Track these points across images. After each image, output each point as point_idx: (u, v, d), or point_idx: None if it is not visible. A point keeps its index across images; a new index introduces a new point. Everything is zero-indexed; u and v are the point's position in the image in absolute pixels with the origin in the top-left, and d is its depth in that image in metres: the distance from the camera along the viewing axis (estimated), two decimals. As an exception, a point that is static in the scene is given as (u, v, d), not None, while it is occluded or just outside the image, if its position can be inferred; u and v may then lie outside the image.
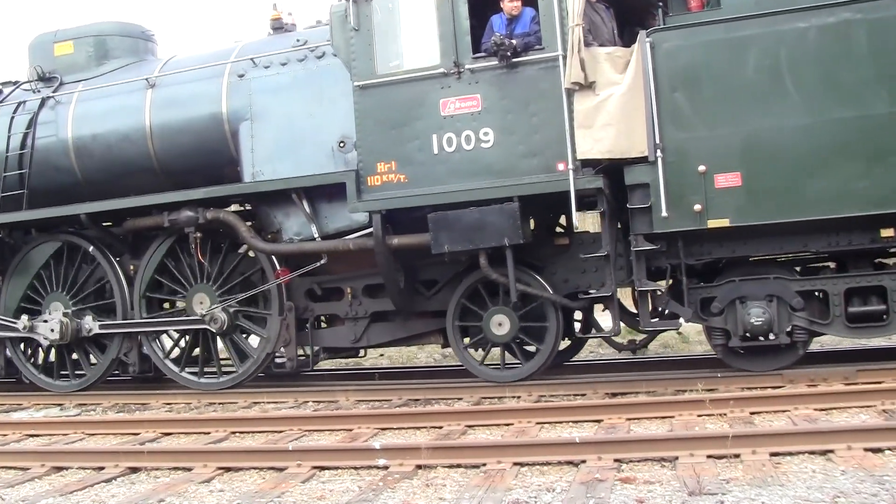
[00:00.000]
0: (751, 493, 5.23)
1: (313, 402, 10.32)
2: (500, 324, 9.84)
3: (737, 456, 6.06)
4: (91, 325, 11.52)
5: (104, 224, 11.53)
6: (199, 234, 10.71)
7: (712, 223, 8.70)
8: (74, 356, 12.04)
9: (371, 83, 9.64)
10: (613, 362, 11.85)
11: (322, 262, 10.36)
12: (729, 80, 8.69)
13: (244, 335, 11.47)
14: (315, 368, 11.68)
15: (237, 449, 7.63)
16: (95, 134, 11.47)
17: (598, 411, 8.05)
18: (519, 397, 9.33)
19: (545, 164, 9.13)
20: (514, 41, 9.08)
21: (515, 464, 6.32)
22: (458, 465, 6.47)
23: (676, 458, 6.11)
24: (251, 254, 11.14)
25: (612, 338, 10.40)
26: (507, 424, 7.95)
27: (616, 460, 6.19)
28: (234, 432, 8.67)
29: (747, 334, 8.98)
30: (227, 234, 11.02)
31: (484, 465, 6.36)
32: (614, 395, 9.17)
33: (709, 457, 6.07)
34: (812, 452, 6.05)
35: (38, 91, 12.10)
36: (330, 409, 9.73)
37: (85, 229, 11.54)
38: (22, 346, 12.10)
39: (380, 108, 9.64)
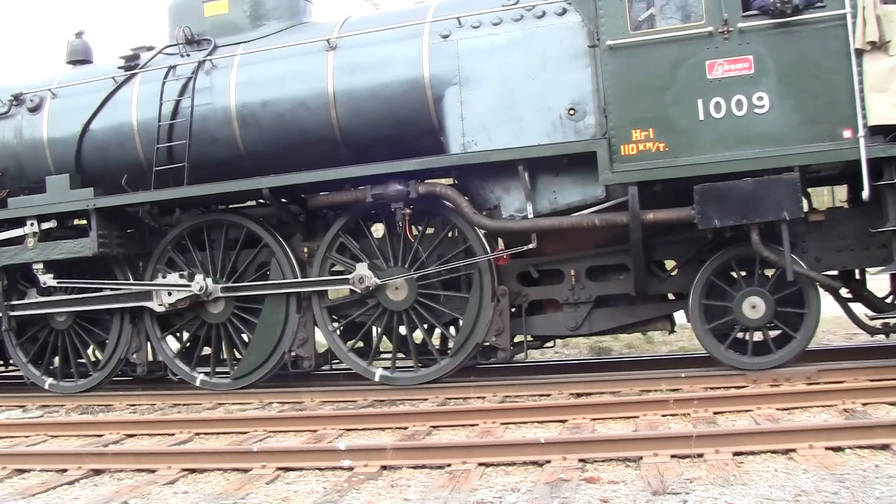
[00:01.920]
0: (714, 492, 5.46)
1: (278, 402, 10.43)
2: (754, 306, 9.47)
3: (700, 455, 6.29)
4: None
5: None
6: (408, 210, 10.06)
7: None
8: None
9: (624, 43, 9.21)
10: (578, 363, 12.09)
11: (531, 245, 9.84)
12: None
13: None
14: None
15: (201, 450, 7.75)
16: (265, 101, 10.72)
17: (562, 411, 8.28)
18: (484, 398, 9.49)
19: (828, 130, 8.80)
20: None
21: (480, 464, 6.52)
22: (423, 466, 6.68)
23: (640, 457, 6.34)
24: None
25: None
26: (473, 425, 8.14)
27: (581, 460, 6.42)
28: (198, 433, 8.82)
29: None
30: (435, 212, 10.42)
31: (449, 465, 6.58)
32: (579, 395, 9.33)
33: (673, 456, 6.30)
34: (774, 451, 6.31)
35: (188, 55, 11.26)
36: (295, 410, 9.84)
37: (243, 207, 10.83)
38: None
39: (634, 70, 9.22)
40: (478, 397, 9.57)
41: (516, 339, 10.44)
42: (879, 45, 8.61)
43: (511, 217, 9.89)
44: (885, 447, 6.24)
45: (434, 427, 8.22)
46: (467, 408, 8.87)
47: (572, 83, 9.67)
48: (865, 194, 8.73)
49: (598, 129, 9.51)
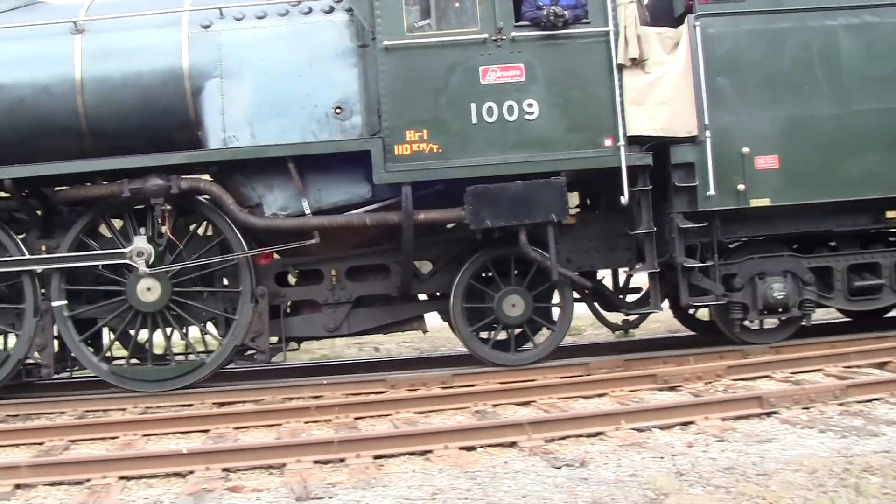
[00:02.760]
0: (356, 495, 5.75)
1: None
2: (514, 304, 9.94)
3: (342, 460, 6.60)
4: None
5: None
6: (168, 207, 9.58)
7: (755, 202, 9.57)
8: None
9: (401, 44, 9.39)
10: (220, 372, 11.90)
11: (314, 241, 9.71)
12: (768, 68, 9.65)
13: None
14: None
15: None
16: (1, 84, 9.83)
17: (205, 421, 8.41)
18: (125, 409, 9.37)
19: (592, 139, 9.47)
20: (565, 13, 9.33)
21: (121, 478, 6.45)
22: (61, 483, 6.47)
23: (284, 464, 6.56)
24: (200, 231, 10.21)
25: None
26: (113, 438, 8.05)
27: (224, 469, 6.52)
28: None
29: (765, 309, 9.92)
30: (193, 209, 10.00)
31: (88, 480, 6.42)
32: (222, 404, 9.42)
33: (315, 462, 6.56)
34: (412, 453, 6.73)
35: None
36: None
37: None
38: None
39: (410, 71, 9.44)
40: (118, 409, 9.28)
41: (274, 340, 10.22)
42: (638, 63, 9.40)
43: (274, 215, 9.71)
44: (513, 444, 6.79)
45: (72, 441, 7.91)
46: (107, 420, 8.67)
47: (339, 82, 9.69)
48: (624, 199, 9.43)
49: (365, 128, 9.59)
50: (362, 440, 6.89)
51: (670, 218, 9.66)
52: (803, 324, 10.11)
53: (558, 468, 6.02)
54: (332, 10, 9.87)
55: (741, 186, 9.51)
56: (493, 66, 9.42)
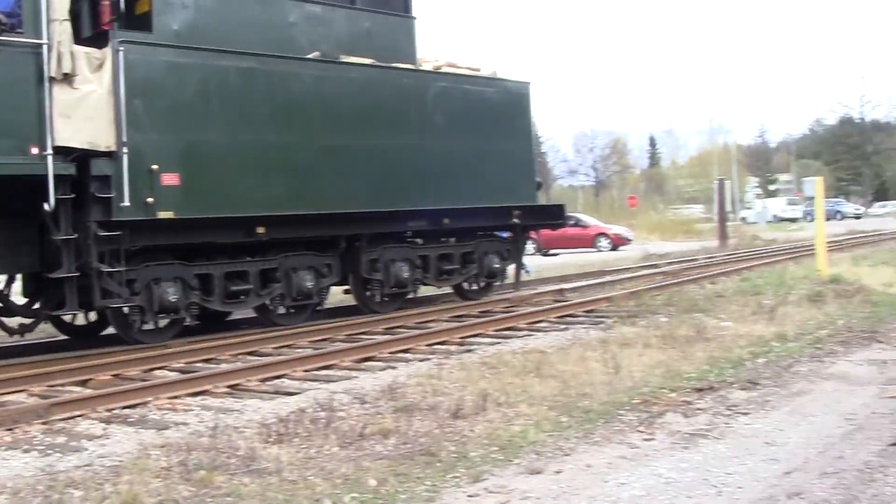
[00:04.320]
0: None
1: None
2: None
3: None
4: None
5: None
6: None
7: (161, 214, 10.95)
8: None
9: None
10: None
11: None
12: (175, 96, 11.16)
13: None
14: None
15: None
16: None
17: None
18: None
19: (20, 146, 9.98)
20: (4, 21, 9.74)
21: None
22: None
23: None
24: None
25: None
26: None
27: None
28: None
29: (160, 311, 11.30)
30: None
31: None
32: None
33: None
34: None
35: None
36: None
37: None
38: None
39: None
40: None
41: None
42: (69, 78, 10.16)
43: None
44: None
45: None
46: None
47: None
48: (50, 206, 10.10)
49: None
50: None
51: (87, 226, 10.52)
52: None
53: None
54: None
55: (150, 199, 10.82)
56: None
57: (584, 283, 18.40)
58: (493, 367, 9.11)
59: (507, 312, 13.90)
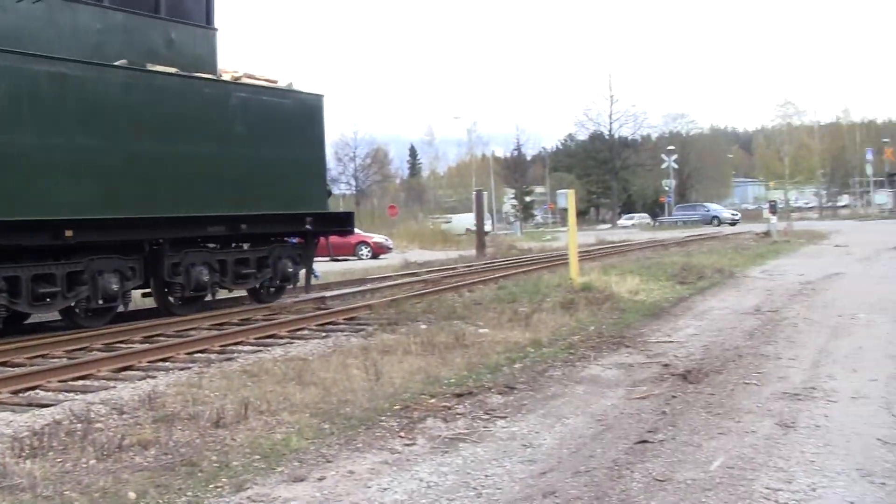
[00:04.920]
0: None
1: None
2: None
3: None
4: None
5: None
6: None
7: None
8: None
9: None
10: None
11: None
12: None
13: None
14: None
15: None
16: None
17: None
18: None
19: None
20: None
21: None
22: None
23: None
24: None
25: None
26: None
27: None
28: None
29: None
30: None
31: None
32: None
33: None
34: None
35: None
36: None
37: None
38: None
39: None
40: None
41: None
42: None
43: None
44: None
45: None
46: None
47: None
48: None
49: None
50: None
51: None
52: None
53: None
54: None
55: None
56: None
57: (346, 290, 18.86)
58: (255, 375, 9.27)
59: (268, 320, 14.14)
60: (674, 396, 7.82)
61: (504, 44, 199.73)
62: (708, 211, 75.09)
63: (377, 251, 38.19)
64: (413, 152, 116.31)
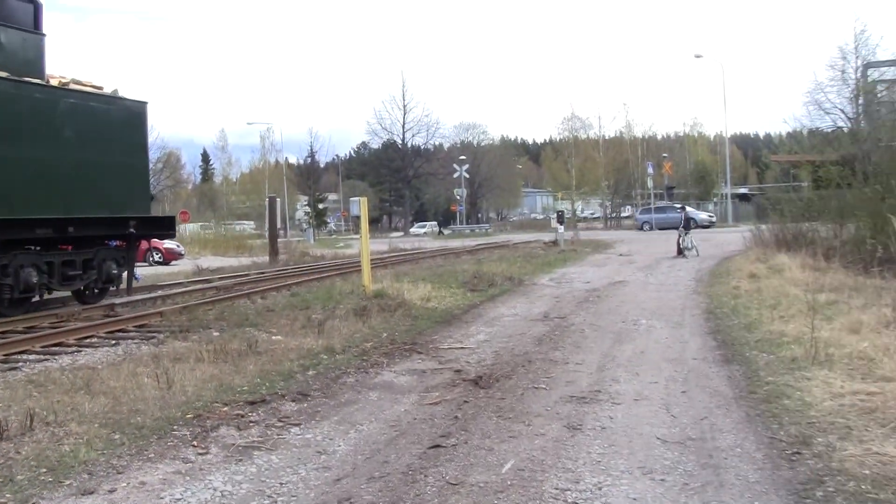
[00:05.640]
0: None
1: None
2: None
3: None
4: None
5: None
6: None
7: None
8: None
9: None
10: None
11: None
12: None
13: None
14: None
15: None
16: None
17: None
18: None
19: None
20: None
21: None
22: None
23: None
24: None
25: None
26: None
27: None
28: None
29: None
30: None
31: None
32: None
33: None
34: None
35: None
36: None
37: None
38: None
39: None
40: None
41: None
42: None
43: None
44: None
45: None
46: None
47: None
48: None
49: None
50: None
51: None
52: None
53: None
54: None
55: None
56: None
57: (136, 297, 18.39)
58: (41, 385, 9.02)
59: (55, 328, 13.76)
60: (466, 401, 7.95)
61: (298, 50, 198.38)
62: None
63: (168, 257, 37.03)
64: (206, 157, 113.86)
